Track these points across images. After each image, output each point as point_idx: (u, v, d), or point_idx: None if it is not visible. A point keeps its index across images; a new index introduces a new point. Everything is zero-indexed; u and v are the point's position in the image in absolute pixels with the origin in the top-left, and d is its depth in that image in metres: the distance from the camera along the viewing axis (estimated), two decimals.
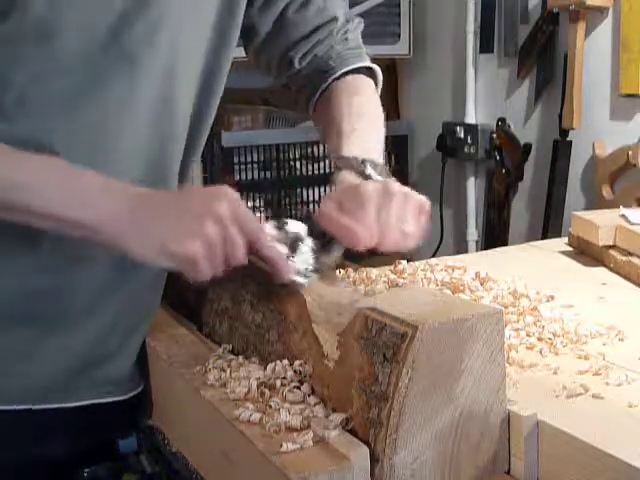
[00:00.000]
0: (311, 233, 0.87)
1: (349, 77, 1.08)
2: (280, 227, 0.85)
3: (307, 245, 0.85)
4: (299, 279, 0.84)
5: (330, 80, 1.07)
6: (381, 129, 1.04)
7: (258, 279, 0.88)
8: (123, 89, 0.87)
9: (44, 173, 0.80)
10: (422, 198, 0.87)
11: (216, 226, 0.77)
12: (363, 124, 1.01)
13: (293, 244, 0.85)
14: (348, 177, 0.92)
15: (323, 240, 0.87)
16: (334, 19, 1.09)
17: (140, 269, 0.94)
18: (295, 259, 0.84)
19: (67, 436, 0.93)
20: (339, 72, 1.07)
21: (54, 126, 0.84)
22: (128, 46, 0.85)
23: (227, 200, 0.78)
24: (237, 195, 0.80)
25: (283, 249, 0.84)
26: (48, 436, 0.92)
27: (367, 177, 0.91)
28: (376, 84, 1.11)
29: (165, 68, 0.90)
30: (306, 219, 0.90)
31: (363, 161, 0.93)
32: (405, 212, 0.85)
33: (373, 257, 0.96)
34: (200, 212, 0.77)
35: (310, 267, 0.85)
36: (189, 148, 0.98)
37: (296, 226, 0.86)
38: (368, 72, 1.10)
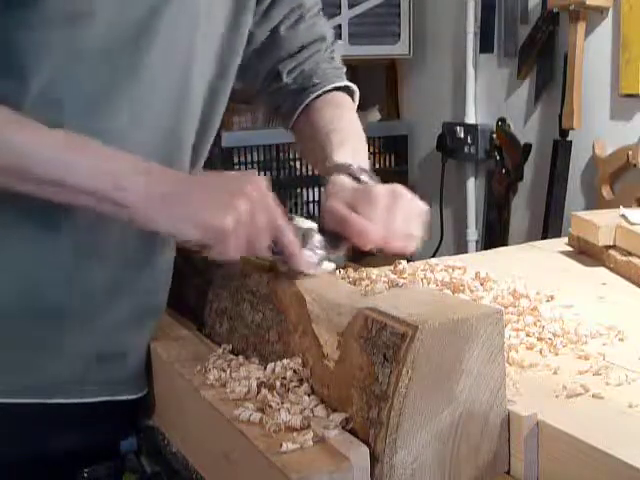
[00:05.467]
0: (318, 230, 0.91)
1: (330, 94, 1.13)
2: (290, 221, 0.89)
3: (317, 239, 0.89)
4: (312, 270, 0.88)
5: (313, 96, 1.12)
6: (364, 141, 1.09)
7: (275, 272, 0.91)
8: (146, 81, 0.88)
9: (79, 149, 0.82)
10: (423, 204, 0.92)
11: (247, 205, 0.80)
12: (349, 136, 1.07)
13: (305, 237, 0.88)
14: (344, 179, 0.97)
15: (330, 237, 0.90)
16: (322, 38, 1.15)
17: (151, 267, 0.94)
18: (307, 251, 0.88)
19: (70, 434, 0.93)
20: (322, 89, 1.13)
21: (79, 117, 0.86)
22: (154, 40, 0.88)
23: (258, 184, 0.82)
24: (266, 182, 0.84)
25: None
26: (52, 433, 0.92)
27: (361, 182, 0.97)
28: (353, 101, 1.17)
29: (184, 58, 0.93)
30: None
31: (359, 168, 0.98)
32: (410, 215, 0.90)
33: (373, 257, 0.96)
34: (234, 190, 0.81)
35: (321, 260, 0.89)
36: (201, 132, 1.01)
37: (305, 223, 0.90)
38: (347, 90, 1.16)
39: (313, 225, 0.91)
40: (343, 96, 1.15)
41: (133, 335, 0.95)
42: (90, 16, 0.84)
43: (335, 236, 0.90)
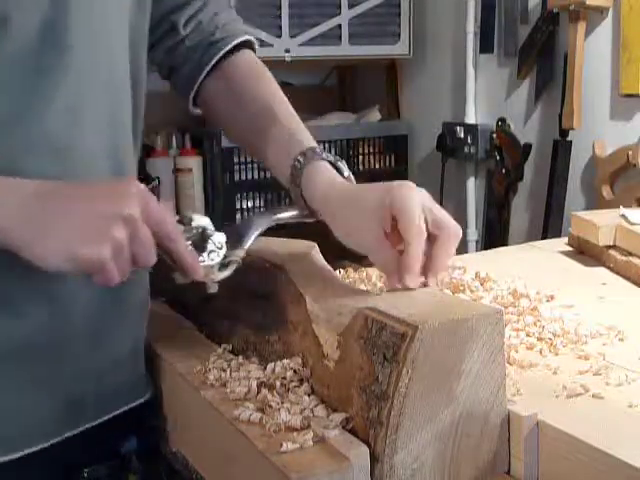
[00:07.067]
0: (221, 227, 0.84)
1: (240, 56, 1.03)
2: (185, 223, 0.81)
3: (214, 240, 0.82)
4: (208, 280, 0.81)
5: (220, 54, 1.01)
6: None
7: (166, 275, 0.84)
8: (69, 79, 0.81)
9: None
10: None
11: (125, 228, 0.71)
12: (288, 107, 0.97)
13: (200, 240, 0.81)
14: (327, 175, 0.89)
15: (231, 233, 0.84)
16: None
17: None
18: (203, 256, 0.81)
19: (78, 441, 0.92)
20: (227, 47, 1.02)
21: (11, 139, 0.79)
22: (65, 34, 0.81)
23: (137, 198, 0.73)
24: (146, 190, 0.74)
25: (190, 246, 0.80)
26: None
27: (340, 172, 0.90)
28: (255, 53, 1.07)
29: (103, 44, 0.85)
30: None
31: (335, 159, 0.91)
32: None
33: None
34: (108, 213, 0.71)
35: (218, 264, 0.82)
36: (135, 115, 0.94)
37: (201, 220, 0.82)
38: (249, 44, 1.06)
39: (208, 223, 0.82)
40: (251, 56, 1.04)
41: (126, 336, 0.93)
42: (5, 21, 0.76)
43: (239, 233, 0.84)
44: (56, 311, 0.83)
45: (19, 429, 0.83)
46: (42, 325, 0.83)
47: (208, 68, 1.01)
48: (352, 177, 0.92)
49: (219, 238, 0.82)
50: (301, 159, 0.90)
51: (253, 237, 0.86)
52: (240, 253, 0.83)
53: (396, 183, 0.84)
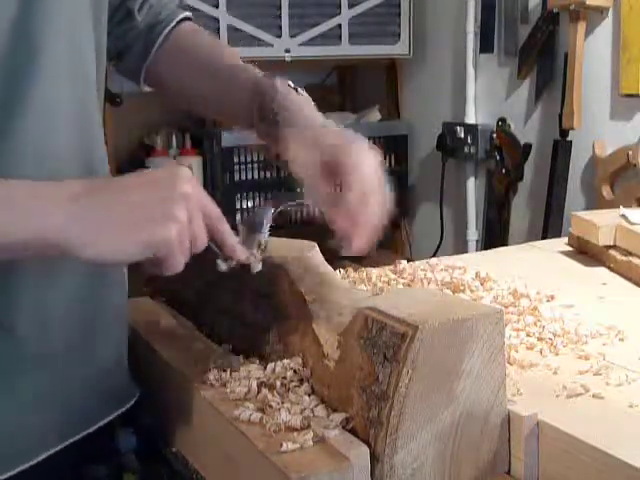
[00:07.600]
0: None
1: (184, 25, 1.08)
2: None
3: (241, 228, 0.83)
4: (251, 260, 0.82)
5: (172, 25, 1.06)
6: None
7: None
8: (43, 77, 0.80)
9: None
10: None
11: (185, 208, 0.71)
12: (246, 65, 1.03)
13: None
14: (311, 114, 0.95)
15: (250, 219, 0.85)
16: None
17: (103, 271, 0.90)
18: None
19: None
20: (175, 19, 1.06)
21: None
22: (33, 33, 0.79)
23: (189, 180, 0.73)
24: (192, 174, 0.75)
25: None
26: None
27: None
28: None
29: (69, 39, 0.84)
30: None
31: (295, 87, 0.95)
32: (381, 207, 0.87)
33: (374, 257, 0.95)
34: (166, 193, 0.71)
35: (252, 248, 0.83)
36: (99, 97, 0.93)
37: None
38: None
39: None
40: (194, 25, 1.10)
41: (105, 339, 0.92)
42: None
43: (258, 218, 0.85)
44: (40, 322, 0.83)
45: (10, 445, 0.82)
46: (27, 337, 0.82)
47: (160, 39, 1.05)
48: (303, 92, 0.96)
49: (240, 227, 0.83)
50: (272, 90, 0.94)
51: (268, 226, 0.87)
52: (265, 237, 0.84)
53: (354, 148, 0.93)
